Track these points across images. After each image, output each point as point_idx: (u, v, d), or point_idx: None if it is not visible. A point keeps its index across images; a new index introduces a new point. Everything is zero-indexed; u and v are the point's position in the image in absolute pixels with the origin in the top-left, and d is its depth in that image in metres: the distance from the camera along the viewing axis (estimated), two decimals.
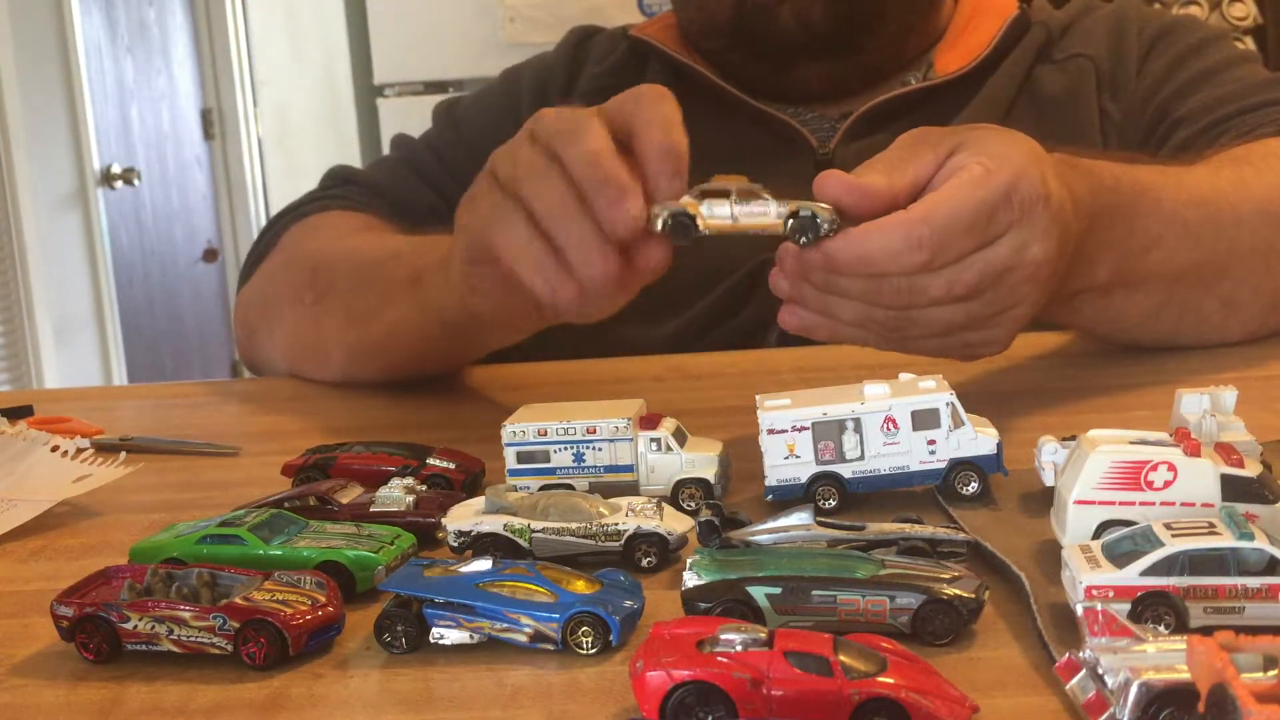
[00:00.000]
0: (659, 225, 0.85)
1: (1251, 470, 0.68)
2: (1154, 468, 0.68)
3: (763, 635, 0.56)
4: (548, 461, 0.85)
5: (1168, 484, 0.68)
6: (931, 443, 0.80)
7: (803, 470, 0.81)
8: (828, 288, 0.88)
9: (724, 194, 0.86)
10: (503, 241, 0.87)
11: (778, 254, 0.90)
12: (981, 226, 0.86)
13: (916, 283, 0.86)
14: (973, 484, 0.80)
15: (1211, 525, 0.62)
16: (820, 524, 0.71)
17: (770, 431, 0.81)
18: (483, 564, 0.67)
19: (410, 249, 1.13)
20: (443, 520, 0.77)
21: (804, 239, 0.85)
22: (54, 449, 0.96)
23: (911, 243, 0.84)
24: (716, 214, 0.86)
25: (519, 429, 0.85)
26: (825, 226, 0.85)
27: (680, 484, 0.84)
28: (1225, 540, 0.61)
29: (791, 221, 0.85)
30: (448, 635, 0.65)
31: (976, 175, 0.86)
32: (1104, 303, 1.04)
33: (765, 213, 0.86)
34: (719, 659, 0.55)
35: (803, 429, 0.81)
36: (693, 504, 0.83)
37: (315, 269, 1.24)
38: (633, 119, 0.86)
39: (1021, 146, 0.90)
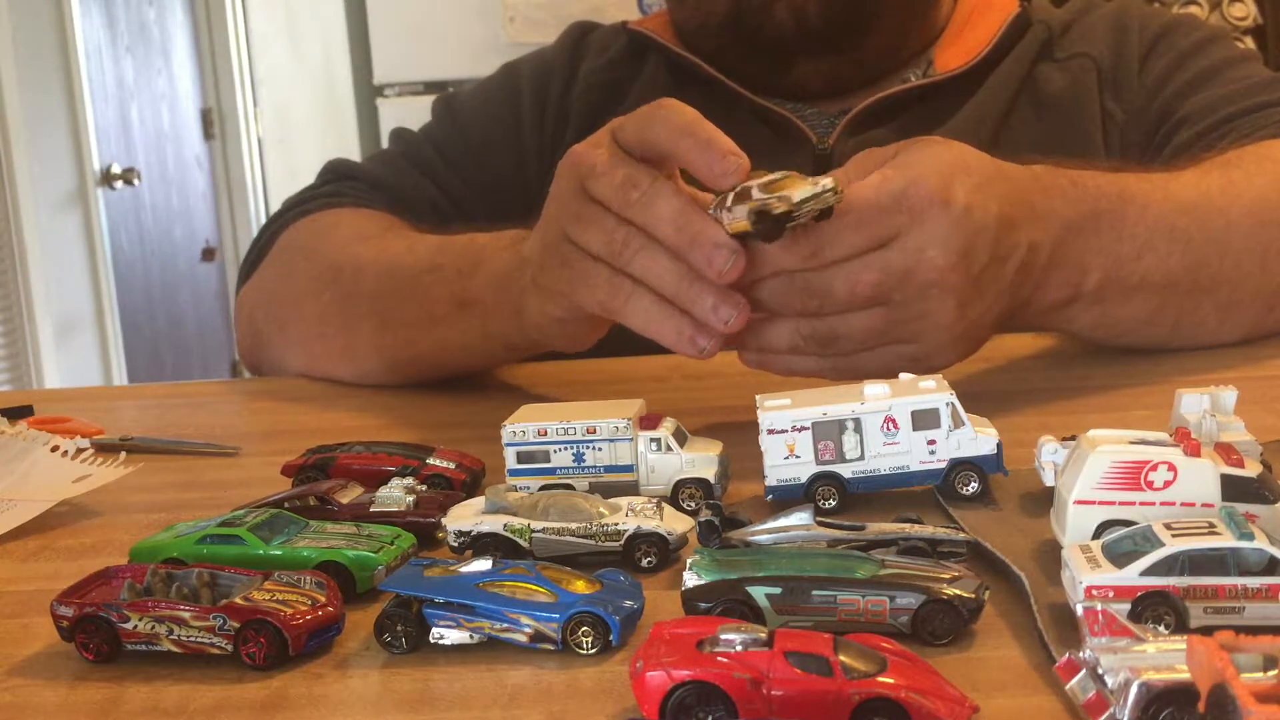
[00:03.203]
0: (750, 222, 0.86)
1: (1251, 470, 0.68)
2: (1154, 468, 0.68)
3: (763, 635, 0.56)
4: (548, 461, 0.85)
5: (1168, 484, 0.68)
6: (931, 443, 0.80)
7: (803, 470, 0.81)
8: (752, 303, 0.92)
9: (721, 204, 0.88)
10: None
11: None
12: (867, 225, 0.89)
13: (818, 280, 0.90)
14: (973, 484, 0.80)
15: (1211, 525, 0.62)
16: (820, 524, 0.71)
17: (770, 431, 0.81)
18: (483, 564, 0.67)
19: (449, 262, 1.14)
20: (443, 520, 0.77)
21: (762, 227, 0.86)
22: (54, 449, 0.96)
23: (795, 234, 0.88)
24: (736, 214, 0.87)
25: (519, 429, 0.85)
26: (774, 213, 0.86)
27: (680, 484, 0.84)
28: (1225, 540, 0.61)
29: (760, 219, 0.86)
30: (448, 635, 0.65)
31: (871, 180, 0.90)
32: (1098, 310, 1.05)
33: (734, 215, 0.87)
34: (719, 659, 0.55)
35: (803, 429, 0.81)
36: (693, 504, 0.83)
37: (339, 267, 1.23)
38: (656, 135, 0.90)
39: (935, 159, 0.93)
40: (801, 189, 0.86)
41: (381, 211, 1.35)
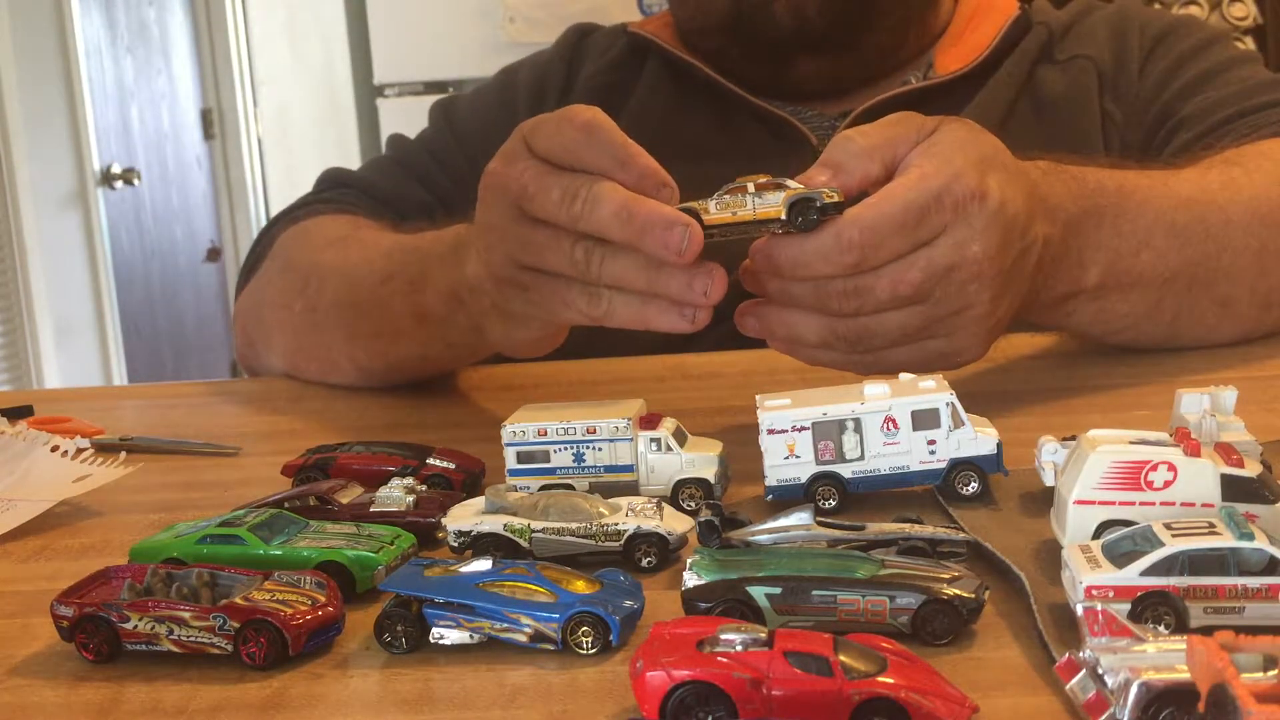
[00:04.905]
0: None
1: (1251, 470, 0.68)
2: (1154, 468, 0.68)
3: (763, 635, 0.56)
4: (548, 461, 0.85)
5: (1168, 484, 0.68)
6: (931, 443, 0.80)
7: (803, 470, 0.81)
8: (784, 300, 0.91)
9: (741, 190, 0.87)
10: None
11: (750, 249, 0.91)
12: (911, 227, 0.88)
13: (861, 283, 0.89)
14: (973, 484, 0.80)
15: (1211, 525, 0.62)
16: (820, 524, 0.71)
17: (770, 431, 0.81)
18: (483, 564, 0.67)
19: (399, 272, 1.13)
20: (443, 520, 0.77)
21: (801, 219, 0.87)
22: (54, 449, 0.96)
23: (841, 244, 0.87)
24: (718, 209, 0.87)
25: (519, 429, 0.85)
26: (821, 203, 0.87)
27: (680, 484, 0.84)
28: (1225, 540, 0.61)
29: (791, 206, 0.87)
30: (448, 635, 0.65)
31: (910, 179, 0.89)
32: (1098, 305, 1.05)
33: (765, 202, 0.87)
34: (719, 659, 0.55)
35: (803, 429, 0.81)
36: (693, 504, 0.83)
37: (306, 278, 1.24)
38: (585, 162, 0.88)
39: (971, 150, 0.92)
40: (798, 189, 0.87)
41: (356, 215, 1.34)
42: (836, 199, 0.88)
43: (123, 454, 0.97)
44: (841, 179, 0.90)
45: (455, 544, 0.75)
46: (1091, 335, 1.12)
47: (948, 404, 0.80)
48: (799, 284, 0.91)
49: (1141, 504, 0.68)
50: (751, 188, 0.87)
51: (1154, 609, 0.60)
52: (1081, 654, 0.55)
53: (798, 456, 0.81)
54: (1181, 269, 1.06)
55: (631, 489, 0.84)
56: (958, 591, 0.63)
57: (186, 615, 0.65)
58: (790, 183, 0.88)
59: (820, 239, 0.88)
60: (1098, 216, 1.02)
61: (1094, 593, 0.60)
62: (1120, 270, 1.03)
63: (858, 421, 0.80)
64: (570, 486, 0.84)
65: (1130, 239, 1.03)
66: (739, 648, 0.55)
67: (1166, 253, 1.05)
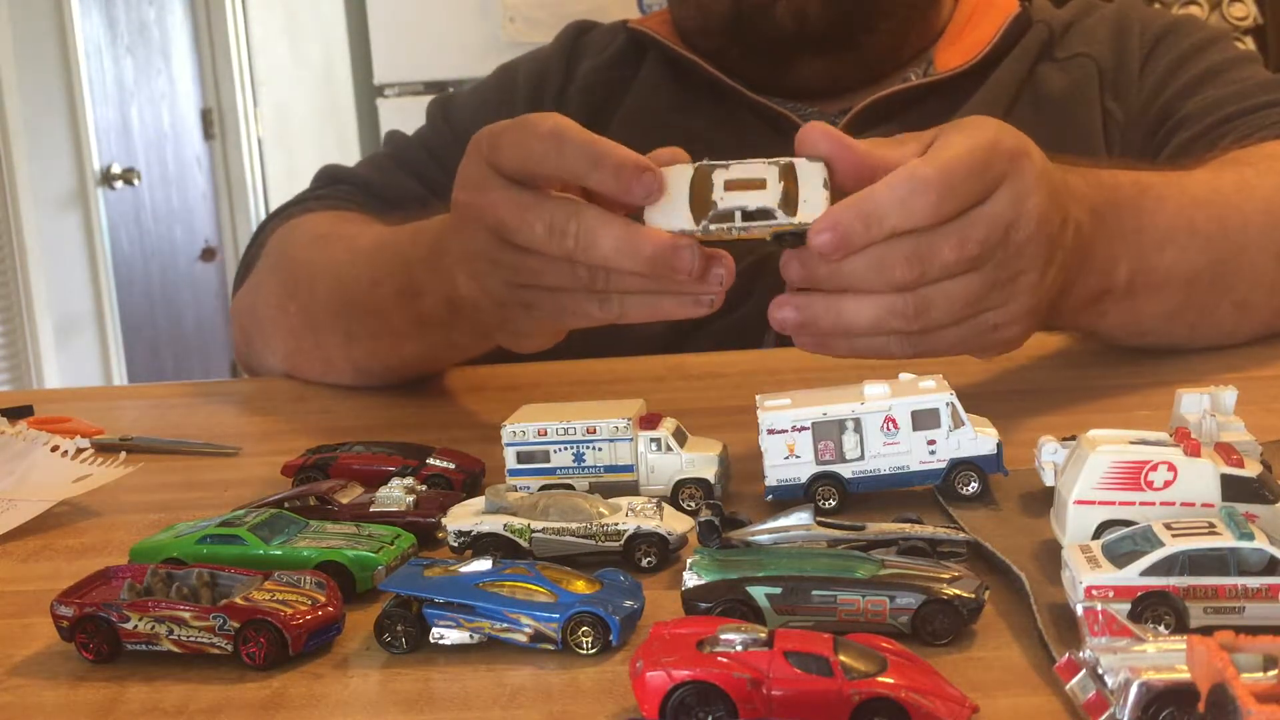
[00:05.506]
0: None
1: (1251, 470, 0.68)
2: (1154, 468, 0.68)
3: (763, 635, 0.56)
4: (548, 461, 0.85)
5: (1168, 484, 0.68)
6: (931, 443, 0.80)
7: (803, 470, 0.81)
8: (836, 282, 0.86)
9: (728, 218, 0.84)
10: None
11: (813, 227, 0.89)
12: (980, 170, 0.85)
13: (929, 244, 0.84)
14: (973, 484, 0.80)
15: (1211, 525, 0.62)
16: (820, 524, 0.71)
17: (770, 431, 0.81)
18: (483, 564, 0.67)
19: (386, 278, 1.11)
20: (443, 520, 0.77)
21: (785, 243, 0.85)
22: (54, 449, 0.96)
23: (918, 184, 0.83)
24: (703, 236, 0.85)
25: (519, 429, 0.85)
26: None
27: (680, 484, 0.84)
28: (1225, 540, 0.61)
29: (777, 239, 0.85)
30: (448, 635, 0.65)
31: (953, 141, 0.87)
32: (1128, 305, 1.04)
33: (751, 230, 0.85)
34: (719, 659, 0.55)
35: (803, 429, 0.81)
36: (693, 504, 0.83)
37: (296, 278, 1.23)
38: (557, 170, 0.86)
39: (999, 124, 0.90)
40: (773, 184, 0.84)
41: (346, 211, 1.34)
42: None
43: (123, 454, 0.97)
44: (844, 138, 0.87)
45: (455, 544, 0.75)
46: (1118, 338, 1.11)
47: (948, 404, 0.80)
48: (858, 260, 0.85)
49: (1141, 504, 0.68)
50: (739, 219, 0.84)
51: (1154, 609, 0.60)
52: (1081, 654, 0.55)
53: (798, 456, 0.81)
54: (1204, 269, 1.05)
55: (631, 489, 0.84)
56: (958, 591, 0.63)
57: (186, 615, 0.65)
58: (777, 212, 0.84)
59: (893, 185, 0.83)
60: (1117, 209, 1.01)
61: (1094, 593, 0.61)
62: (1147, 268, 1.02)
63: (858, 421, 0.80)
64: (570, 486, 0.84)
65: (1152, 234, 1.03)
66: (739, 648, 0.55)
67: (1189, 250, 1.04)
